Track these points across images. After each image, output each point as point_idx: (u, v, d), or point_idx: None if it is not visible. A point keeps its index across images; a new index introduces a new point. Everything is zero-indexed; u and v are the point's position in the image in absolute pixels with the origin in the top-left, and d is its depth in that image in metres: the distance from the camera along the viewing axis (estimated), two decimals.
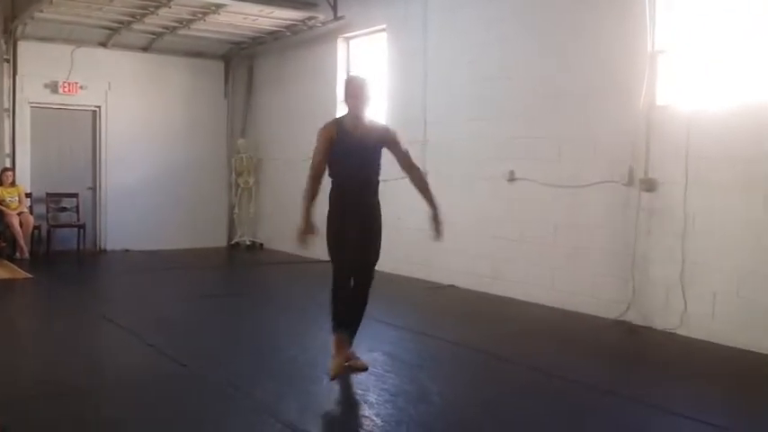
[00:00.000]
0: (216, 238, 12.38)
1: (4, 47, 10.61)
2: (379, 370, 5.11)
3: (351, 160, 4.93)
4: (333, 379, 4.81)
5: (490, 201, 8.10)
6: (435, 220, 5.19)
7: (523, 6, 7.73)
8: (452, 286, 8.44)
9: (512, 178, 7.82)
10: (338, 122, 5.09)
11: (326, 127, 5.03)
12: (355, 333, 5.17)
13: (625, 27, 6.68)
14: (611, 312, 6.72)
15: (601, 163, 6.92)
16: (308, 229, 4.97)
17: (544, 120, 7.50)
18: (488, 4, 8.13)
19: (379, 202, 5.15)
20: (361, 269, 5.13)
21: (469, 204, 8.36)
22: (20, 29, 10.47)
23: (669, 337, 6.17)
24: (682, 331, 6.16)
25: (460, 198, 8.49)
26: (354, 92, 5.07)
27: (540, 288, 7.47)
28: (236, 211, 12.39)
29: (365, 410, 4.26)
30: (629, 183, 6.66)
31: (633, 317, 6.58)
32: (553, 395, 4.72)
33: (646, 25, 6.48)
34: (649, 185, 6.50)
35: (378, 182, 5.14)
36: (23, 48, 10.73)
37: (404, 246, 9.30)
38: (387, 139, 5.11)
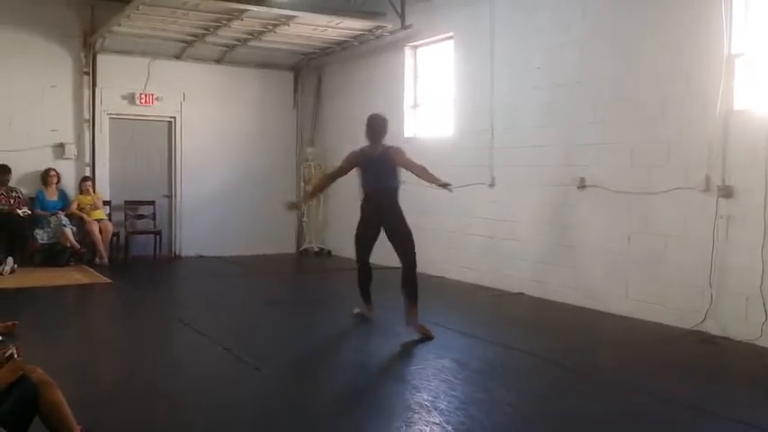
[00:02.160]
0: (285, 245, 12.57)
1: (83, 60, 11.05)
2: (449, 377, 5.10)
3: (370, 172, 6.67)
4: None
5: (560, 208, 7.99)
6: (439, 183, 6.26)
7: (594, 9, 7.62)
8: (521, 294, 8.36)
9: (582, 185, 7.70)
10: (362, 150, 6.85)
11: (352, 154, 6.92)
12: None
13: (701, 29, 6.52)
14: (687, 322, 6.55)
15: (675, 169, 6.75)
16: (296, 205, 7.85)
17: (615, 125, 7.36)
18: (557, 8, 8.04)
19: (396, 198, 6.68)
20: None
21: (539, 212, 8.28)
22: (99, 42, 10.89)
23: (749, 348, 5.96)
24: (762, 342, 5.95)
25: (529, 206, 8.42)
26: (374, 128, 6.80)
27: (613, 297, 7.33)
28: (305, 218, 12.56)
29: (436, 417, 4.26)
30: (706, 189, 6.47)
31: (711, 327, 6.39)
32: (629, 408, 4.61)
33: (722, 27, 6.30)
34: (727, 192, 6.31)
35: (394, 187, 6.69)
36: (102, 61, 11.15)
37: (471, 253, 9.29)
38: (391, 152, 6.65)
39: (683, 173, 6.67)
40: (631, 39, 7.21)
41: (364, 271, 6.95)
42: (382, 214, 6.62)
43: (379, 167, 6.61)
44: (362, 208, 6.80)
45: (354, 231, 6.88)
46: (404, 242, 6.55)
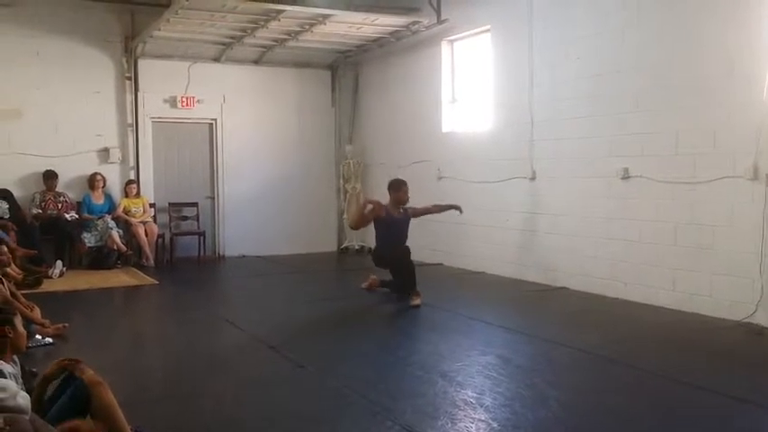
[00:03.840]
0: (326, 243, 12.64)
1: (125, 65, 11.23)
2: (493, 373, 5.07)
3: (391, 231, 7.94)
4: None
5: (603, 200, 7.88)
6: (456, 208, 8.35)
7: None
8: (564, 288, 8.27)
9: (626, 176, 7.58)
10: (386, 206, 8.01)
11: (378, 206, 7.99)
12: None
13: (744, 13, 6.36)
14: (736, 314, 6.40)
15: (722, 157, 6.60)
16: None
17: (659, 113, 7.23)
18: None
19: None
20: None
21: (582, 204, 8.17)
22: (140, 47, 11.06)
23: None
24: None
25: (572, 198, 8.32)
26: (397, 189, 8.05)
27: (659, 290, 7.21)
28: (345, 216, 12.60)
29: (481, 414, 4.23)
30: (754, 177, 6.32)
31: (761, 318, 6.24)
32: (676, 401, 4.54)
33: (767, 9, 6.14)
34: None
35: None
36: (143, 65, 11.33)
37: (512, 248, 9.21)
38: (408, 211, 8.12)
39: (730, 161, 6.52)
40: (672, 25, 7.06)
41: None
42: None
43: (402, 226, 8.05)
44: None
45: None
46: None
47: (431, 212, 8.40)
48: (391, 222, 7.95)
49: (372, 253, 8.46)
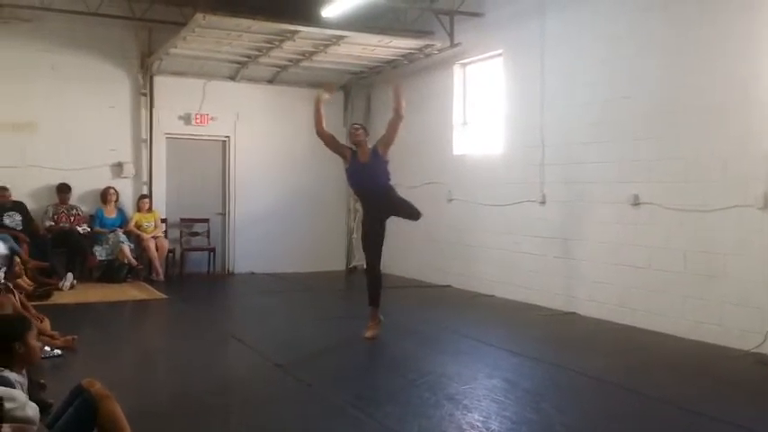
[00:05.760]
0: (335, 262, 12.66)
1: (141, 81, 11.38)
2: (500, 397, 5.06)
3: (362, 176, 7.13)
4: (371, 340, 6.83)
5: (613, 226, 7.87)
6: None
7: (644, 23, 7.52)
8: (573, 313, 8.25)
9: (636, 203, 7.58)
10: (353, 150, 7.22)
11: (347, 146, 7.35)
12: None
13: (752, 38, 6.39)
14: (745, 344, 6.36)
15: (732, 185, 6.60)
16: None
17: (669, 140, 7.24)
18: (607, 23, 7.97)
19: (391, 189, 7.12)
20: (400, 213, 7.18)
21: (591, 230, 8.17)
22: (156, 64, 11.19)
23: None
24: None
25: (581, 224, 8.32)
26: (351, 132, 7.38)
27: (668, 317, 7.18)
28: (355, 235, 12.62)
29: None
30: (764, 206, 6.31)
31: None
32: (684, 429, 4.51)
33: None
34: None
35: (387, 183, 7.11)
36: (159, 82, 11.46)
37: (522, 272, 9.20)
38: (379, 149, 7.12)
39: (741, 188, 6.50)
40: (684, 52, 7.09)
41: (376, 276, 7.11)
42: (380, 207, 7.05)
43: (369, 171, 7.10)
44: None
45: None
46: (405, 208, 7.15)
47: (392, 125, 7.23)
48: (353, 170, 7.20)
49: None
